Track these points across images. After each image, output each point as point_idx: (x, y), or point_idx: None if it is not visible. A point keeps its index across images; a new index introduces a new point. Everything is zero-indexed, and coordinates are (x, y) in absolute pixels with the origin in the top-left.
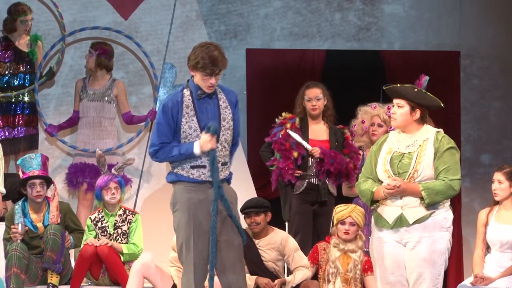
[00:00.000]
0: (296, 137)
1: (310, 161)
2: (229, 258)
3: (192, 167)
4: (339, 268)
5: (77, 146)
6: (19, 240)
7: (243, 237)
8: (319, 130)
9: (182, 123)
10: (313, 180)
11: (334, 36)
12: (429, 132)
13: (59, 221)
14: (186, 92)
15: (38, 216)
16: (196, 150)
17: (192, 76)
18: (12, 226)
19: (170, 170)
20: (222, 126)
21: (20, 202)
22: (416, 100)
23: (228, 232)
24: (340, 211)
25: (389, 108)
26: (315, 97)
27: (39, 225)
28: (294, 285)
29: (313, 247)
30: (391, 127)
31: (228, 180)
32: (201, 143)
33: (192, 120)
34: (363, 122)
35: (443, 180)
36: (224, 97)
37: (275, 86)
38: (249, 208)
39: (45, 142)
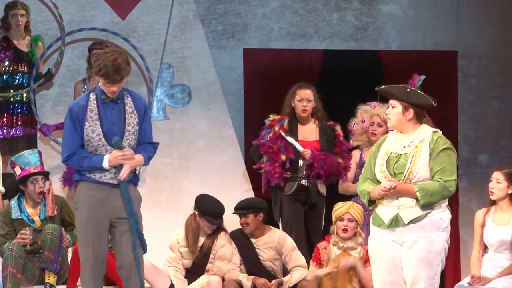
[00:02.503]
0: (289, 138)
1: (300, 162)
2: (127, 261)
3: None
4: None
5: None
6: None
7: (142, 241)
8: (308, 131)
9: (85, 127)
10: (303, 182)
11: (332, 36)
12: (426, 133)
13: (55, 213)
14: (92, 96)
15: (34, 210)
16: (105, 164)
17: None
18: (22, 232)
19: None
20: (126, 130)
21: (15, 198)
22: (407, 99)
23: (127, 237)
24: (338, 208)
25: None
26: (306, 98)
27: (36, 218)
28: (291, 285)
29: (315, 248)
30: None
31: (133, 182)
32: (111, 158)
33: (96, 124)
34: (363, 121)
35: (438, 181)
36: (131, 102)
37: (273, 86)
38: (237, 210)
39: (41, 142)
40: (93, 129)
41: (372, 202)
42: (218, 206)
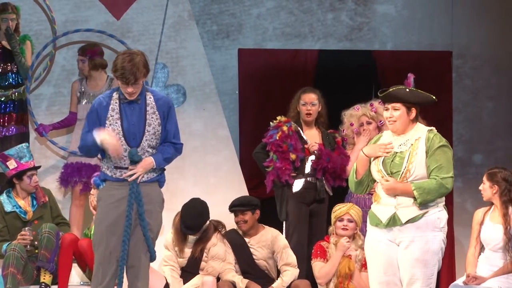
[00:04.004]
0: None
1: (306, 160)
2: (133, 263)
3: (116, 167)
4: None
5: (67, 148)
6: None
7: (149, 247)
8: (312, 135)
9: (106, 125)
10: (310, 179)
11: (327, 36)
12: (421, 131)
13: (47, 199)
14: (115, 95)
15: (25, 201)
16: (96, 138)
17: None
18: (22, 233)
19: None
20: (146, 131)
21: (4, 194)
22: (411, 99)
23: (137, 239)
24: (338, 209)
25: (371, 105)
26: (310, 102)
27: (28, 209)
28: (285, 287)
29: (315, 245)
30: (380, 121)
31: (157, 180)
32: (107, 141)
33: (116, 123)
34: (351, 125)
35: (435, 179)
36: (153, 103)
37: (267, 86)
38: (235, 207)
39: (36, 142)
40: (113, 128)
41: (362, 185)
42: (194, 221)
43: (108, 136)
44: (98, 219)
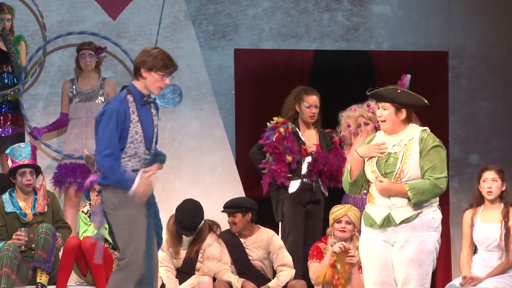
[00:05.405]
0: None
1: (303, 162)
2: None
3: (133, 171)
4: (336, 267)
5: (61, 150)
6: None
7: (159, 244)
8: (310, 136)
9: (130, 129)
10: (306, 180)
11: (323, 36)
12: (415, 131)
13: (45, 209)
14: (130, 98)
15: (26, 203)
16: (132, 189)
17: (131, 82)
18: (18, 233)
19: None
20: (154, 132)
21: (7, 193)
22: (400, 100)
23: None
24: (337, 210)
25: (368, 106)
26: (314, 104)
27: (28, 212)
28: (281, 287)
29: (312, 246)
30: (377, 122)
31: None
32: (139, 185)
33: (137, 125)
34: (349, 126)
35: (429, 179)
36: (153, 105)
37: (264, 87)
38: (226, 208)
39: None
40: (136, 131)
41: (356, 185)
42: (190, 221)
43: (144, 189)
44: (134, 220)
